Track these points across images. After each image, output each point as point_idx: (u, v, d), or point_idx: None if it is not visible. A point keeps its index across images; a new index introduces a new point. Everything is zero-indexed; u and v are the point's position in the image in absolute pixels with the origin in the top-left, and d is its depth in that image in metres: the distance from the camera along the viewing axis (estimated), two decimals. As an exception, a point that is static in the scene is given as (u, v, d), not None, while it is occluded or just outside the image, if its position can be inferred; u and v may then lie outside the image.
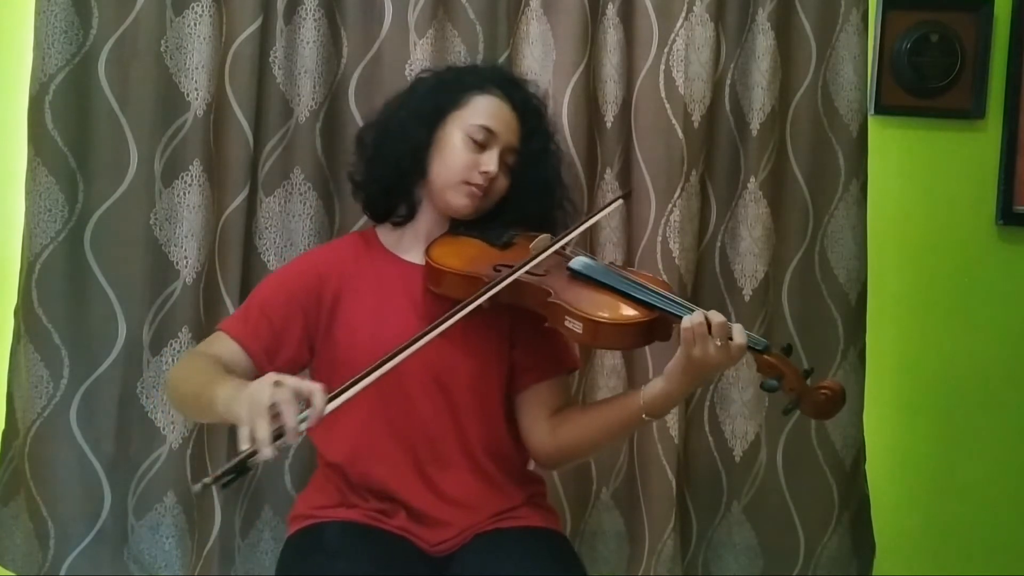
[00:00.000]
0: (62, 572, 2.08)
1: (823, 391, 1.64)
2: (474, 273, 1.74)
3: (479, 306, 1.68)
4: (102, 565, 2.11)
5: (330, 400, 1.48)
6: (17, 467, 2.10)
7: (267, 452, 1.41)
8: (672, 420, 2.21)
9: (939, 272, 2.58)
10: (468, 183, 1.80)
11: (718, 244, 2.32)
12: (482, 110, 1.82)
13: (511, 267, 1.74)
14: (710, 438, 2.33)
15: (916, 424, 2.59)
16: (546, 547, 1.78)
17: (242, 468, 1.42)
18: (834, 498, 2.33)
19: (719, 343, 1.61)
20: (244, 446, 1.42)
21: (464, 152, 1.80)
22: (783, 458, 2.32)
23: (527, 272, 1.72)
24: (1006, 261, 2.58)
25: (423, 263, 1.80)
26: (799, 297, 2.32)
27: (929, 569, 2.56)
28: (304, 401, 1.45)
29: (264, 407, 1.43)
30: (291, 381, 1.46)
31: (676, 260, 2.21)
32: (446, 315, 1.64)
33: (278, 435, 1.42)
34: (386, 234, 1.90)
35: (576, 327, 1.65)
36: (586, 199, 2.22)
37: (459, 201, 1.82)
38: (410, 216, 1.87)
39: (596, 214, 1.99)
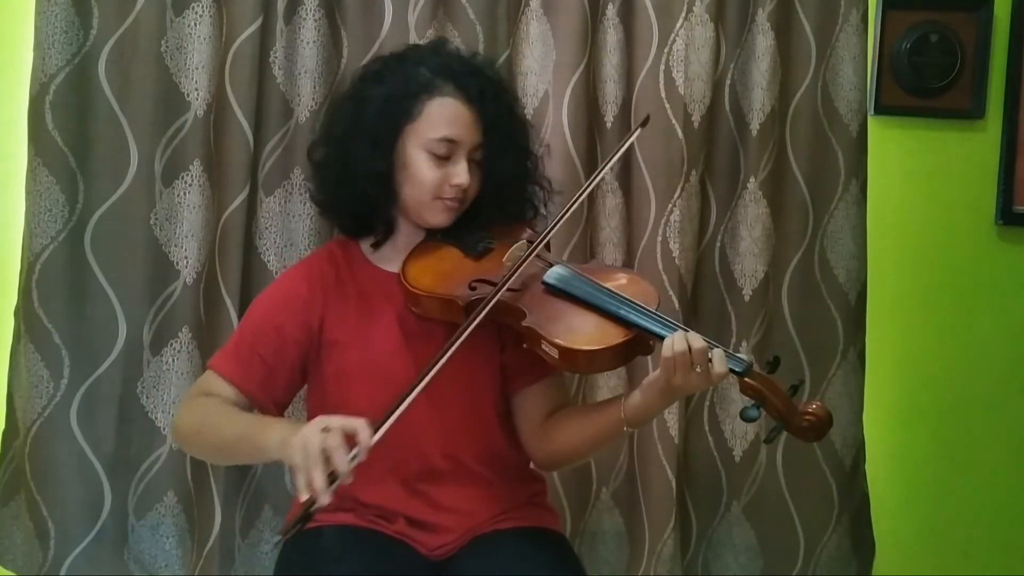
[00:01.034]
0: (62, 572, 2.08)
1: (807, 417, 1.57)
2: (449, 295, 1.72)
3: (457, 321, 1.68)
4: (102, 565, 2.11)
5: (374, 432, 1.52)
6: (17, 467, 2.10)
7: (325, 500, 1.47)
8: (672, 420, 2.21)
9: (939, 272, 2.58)
10: (441, 198, 1.77)
11: (718, 244, 2.32)
12: (438, 119, 1.75)
13: (486, 281, 1.72)
14: (710, 438, 2.33)
15: (916, 424, 2.59)
16: (545, 548, 1.77)
17: (307, 516, 1.50)
18: (834, 498, 2.33)
19: (699, 369, 1.58)
20: (303, 496, 1.48)
21: (430, 169, 1.75)
22: (783, 458, 2.32)
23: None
24: (1006, 261, 2.58)
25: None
26: (799, 297, 2.32)
27: (929, 569, 2.56)
28: (350, 440, 1.50)
29: (317, 455, 1.48)
30: (337, 423, 1.51)
31: (676, 260, 2.21)
32: (448, 345, 1.61)
33: (332, 479, 1.48)
34: (366, 246, 1.87)
35: (552, 352, 1.63)
36: (586, 199, 2.22)
37: (436, 217, 1.79)
38: (388, 233, 1.84)
39: (609, 161, 1.93)
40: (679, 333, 1.59)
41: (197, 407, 1.75)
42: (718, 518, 2.35)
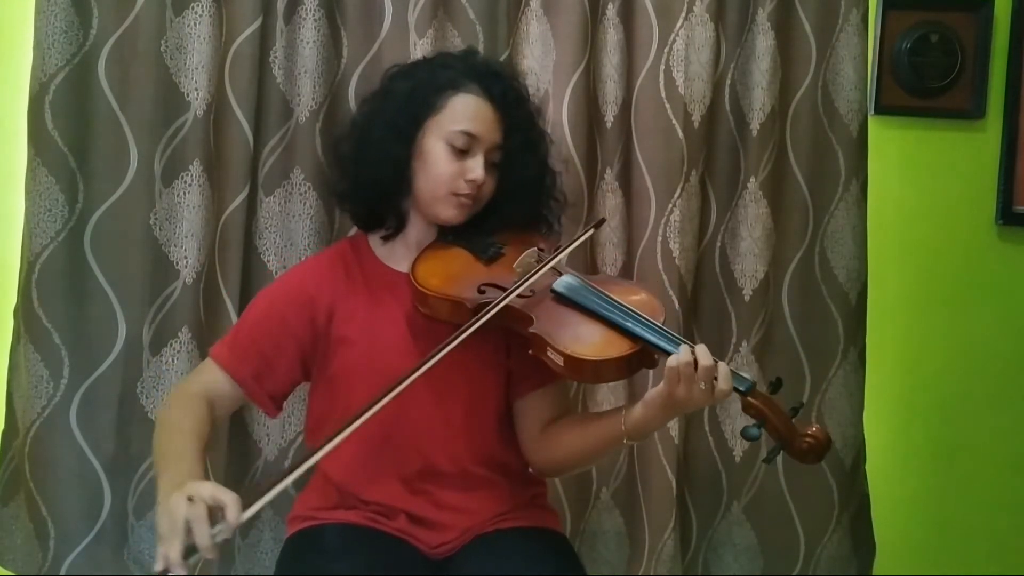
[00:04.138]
0: (62, 572, 2.08)
1: (807, 439, 1.58)
2: (457, 298, 1.71)
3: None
4: (102, 565, 2.10)
5: (246, 509, 1.46)
6: (17, 467, 2.10)
7: (179, 572, 1.41)
8: (672, 421, 2.21)
9: (939, 272, 2.58)
10: (455, 194, 1.77)
11: (718, 244, 2.32)
12: (460, 113, 1.76)
13: (495, 286, 1.72)
14: (710, 438, 2.33)
15: (916, 424, 2.59)
16: (546, 548, 1.78)
17: None
18: (834, 498, 2.33)
19: (703, 386, 1.57)
20: (158, 566, 1.42)
21: (447, 162, 1.75)
22: (783, 458, 2.31)
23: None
24: (1006, 261, 2.59)
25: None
26: (799, 297, 2.32)
27: (929, 569, 2.57)
28: (220, 512, 1.44)
29: (179, 525, 1.43)
30: (206, 493, 1.45)
31: (676, 260, 2.21)
32: (423, 361, 1.59)
33: (192, 551, 1.42)
34: (377, 244, 1.87)
35: (558, 360, 1.62)
36: (586, 199, 2.22)
37: (448, 212, 1.79)
38: (399, 228, 1.85)
39: (572, 243, 1.87)
40: (686, 347, 1.58)
41: (175, 403, 1.75)
42: (718, 518, 2.35)
